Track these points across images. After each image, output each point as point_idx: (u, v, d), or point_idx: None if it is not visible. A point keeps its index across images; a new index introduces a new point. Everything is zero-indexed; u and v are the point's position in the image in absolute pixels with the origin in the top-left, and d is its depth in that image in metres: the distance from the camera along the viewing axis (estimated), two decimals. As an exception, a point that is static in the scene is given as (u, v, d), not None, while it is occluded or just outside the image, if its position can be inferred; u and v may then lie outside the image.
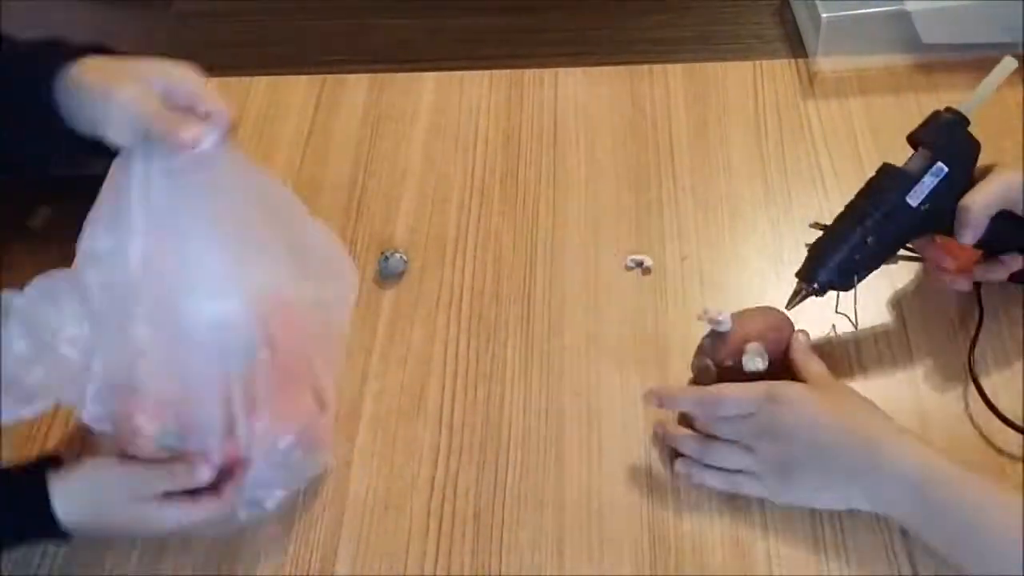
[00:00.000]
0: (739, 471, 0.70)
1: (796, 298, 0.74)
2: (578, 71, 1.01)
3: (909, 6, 0.94)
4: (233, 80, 1.03)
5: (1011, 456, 0.72)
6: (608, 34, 1.06)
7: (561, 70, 1.02)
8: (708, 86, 0.98)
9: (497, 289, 0.85)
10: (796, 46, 1.01)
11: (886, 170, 0.74)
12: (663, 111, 0.97)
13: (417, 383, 0.79)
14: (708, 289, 0.83)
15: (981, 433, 0.73)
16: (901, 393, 0.76)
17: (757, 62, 0.99)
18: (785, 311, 0.75)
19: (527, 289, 0.84)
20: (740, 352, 0.73)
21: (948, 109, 0.73)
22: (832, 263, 0.73)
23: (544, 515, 0.72)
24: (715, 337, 0.74)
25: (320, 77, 1.02)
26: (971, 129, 0.73)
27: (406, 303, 0.84)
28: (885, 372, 0.77)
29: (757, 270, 0.84)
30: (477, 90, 1.00)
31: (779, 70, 0.98)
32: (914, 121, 0.74)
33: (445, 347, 0.81)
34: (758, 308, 0.77)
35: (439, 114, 0.99)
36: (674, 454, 0.73)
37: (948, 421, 0.74)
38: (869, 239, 0.72)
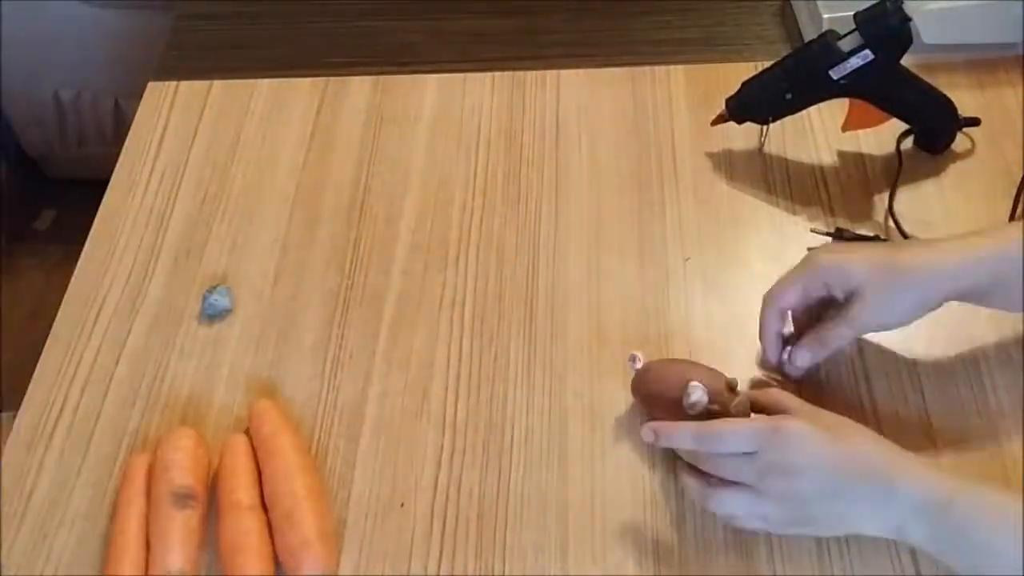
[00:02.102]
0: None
1: (719, 120, 0.90)
2: (580, 72, 1.02)
3: (910, 6, 0.94)
4: (236, 83, 1.03)
5: (1013, 457, 0.72)
6: (610, 36, 1.06)
7: (563, 72, 1.02)
8: (710, 87, 0.98)
9: (499, 290, 0.85)
10: (797, 47, 1.01)
11: (824, 41, 0.83)
12: (665, 112, 0.97)
13: (420, 385, 0.79)
14: (710, 290, 0.83)
15: (984, 431, 0.73)
16: (904, 389, 0.76)
17: (759, 63, 0.99)
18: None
19: (530, 290, 0.85)
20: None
21: (894, 2, 0.79)
22: (752, 103, 0.88)
23: (547, 516, 0.72)
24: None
25: (323, 79, 1.03)
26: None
27: (409, 305, 0.84)
28: (890, 380, 0.77)
29: (759, 271, 0.84)
30: (479, 92, 1.01)
31: (781, 71, 0.98)
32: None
33: (448, 348, 0.81)
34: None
35: (441, 116, 0.99)
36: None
37: (952, 420, 0.74)
38: (788, 95, 0.86)
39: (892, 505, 0.63)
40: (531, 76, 1.02)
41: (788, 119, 0.89)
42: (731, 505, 0.67)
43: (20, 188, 1.93)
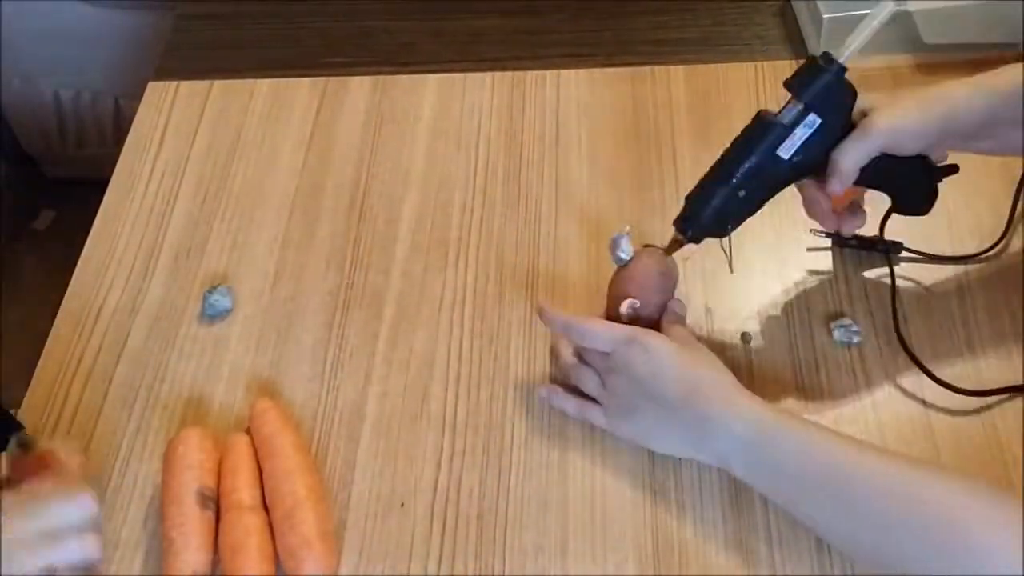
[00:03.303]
0: (592, 400, 0.74)
1: (674, 246, 0.76)
2: (580, 72, 1.02)
3: (911, 6, 0.94)
4: (236, 83, 1.03)
5: (1013, 455, 0.72)
6: (610, 36, 1.06)
7: (563, 71, 1.02)
8: (710, 87, 0.98)
9: (499, 290, 0.85)
10: (798, 47, 1.01)
11: (760, 120, 0.72)
12: (665, 112, 0.97)
13: (420, 385, 0.79)
14: (711, 289, 0.83)
15: (984, 431, 0.74)
16: (904, 388, 0.76)
17: (759, 63, 0.99)
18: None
19: (530, 290, 0.85)
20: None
21: (824, 56, 0.69)
22: (705, 214, 0.73)
23: (548, 516, 0.72)
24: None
25: (323, 79, 1.03)
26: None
27: (408, 305, 0.84)
28: (888, 376, 0.77)
29: (760, 270, 0.84)
30: (479, 91, 1.01)
31: (781, 71, 0.98)
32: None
33: (448, 349, 0.81)
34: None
35: (441, 115, 0.99)
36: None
37: (951, 419, 0.74)
38: (741, 192, 0.72)
39: (710, 436, 0.68)
40: (531, 76, 1.02)
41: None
42: (584, 381, 0.75)
43: (20, 188, 1.93)
